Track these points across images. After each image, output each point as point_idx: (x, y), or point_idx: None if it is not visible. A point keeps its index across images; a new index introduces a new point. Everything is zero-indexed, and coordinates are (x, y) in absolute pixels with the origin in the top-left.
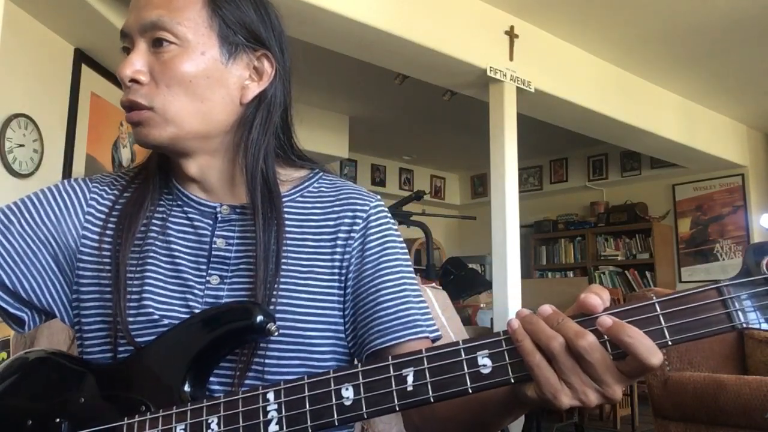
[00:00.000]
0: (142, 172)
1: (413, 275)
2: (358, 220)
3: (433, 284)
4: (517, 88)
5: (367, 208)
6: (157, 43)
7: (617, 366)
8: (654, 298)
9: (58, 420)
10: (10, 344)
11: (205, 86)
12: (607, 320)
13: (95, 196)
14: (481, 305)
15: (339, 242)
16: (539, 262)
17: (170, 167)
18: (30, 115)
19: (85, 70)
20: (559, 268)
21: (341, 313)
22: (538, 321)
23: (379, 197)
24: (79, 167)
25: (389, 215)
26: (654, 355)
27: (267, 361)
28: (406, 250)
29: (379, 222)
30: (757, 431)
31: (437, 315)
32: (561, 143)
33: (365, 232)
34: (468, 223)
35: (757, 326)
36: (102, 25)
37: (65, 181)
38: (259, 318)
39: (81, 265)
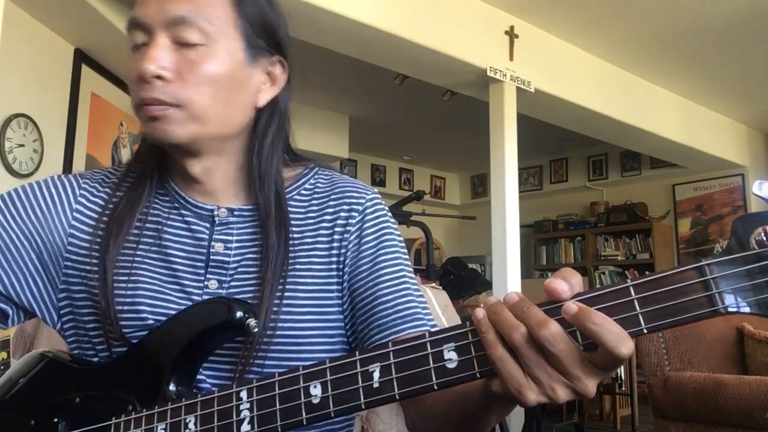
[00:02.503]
0: (135, 171)
1: (411, 268)
2: (354, 213)
3: (433, 284)
4: (517, 88)
5: (363, 200)
6: (183, 40)
7: (589, 358)
8: (629, 281)
9: (56, 420)
10: (9, 344)
11: (230, 88)
12: (572, 306)
13: (85, 194)
14: (481, 305)
15: (336, 237)
16: (539, 262)
17: (167, 168)
18: (30, 115)
19: (85, 70)
20: (559, 268)
21: (341, 309)
22: (502, 310)
23: (375, 190)
24: (79, 167)
25: (386, 208)
26: (624, 344)
27: (267, 362)
28: (404, 243)
29: (375, 215)
30: (757, 431)
31: (437, 315)
32: (561, 143)
33: (362, 225)
34: (468, 223)
35: (735, 309)
36: (102, 25)
37: (54, 176)
38: (238, 314)
39: (69, 264)
